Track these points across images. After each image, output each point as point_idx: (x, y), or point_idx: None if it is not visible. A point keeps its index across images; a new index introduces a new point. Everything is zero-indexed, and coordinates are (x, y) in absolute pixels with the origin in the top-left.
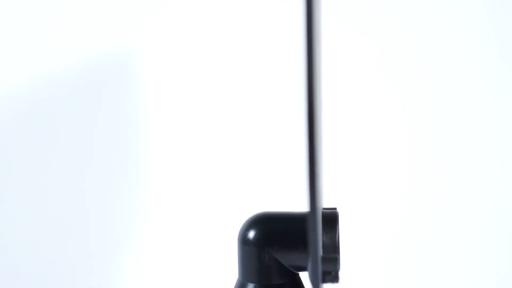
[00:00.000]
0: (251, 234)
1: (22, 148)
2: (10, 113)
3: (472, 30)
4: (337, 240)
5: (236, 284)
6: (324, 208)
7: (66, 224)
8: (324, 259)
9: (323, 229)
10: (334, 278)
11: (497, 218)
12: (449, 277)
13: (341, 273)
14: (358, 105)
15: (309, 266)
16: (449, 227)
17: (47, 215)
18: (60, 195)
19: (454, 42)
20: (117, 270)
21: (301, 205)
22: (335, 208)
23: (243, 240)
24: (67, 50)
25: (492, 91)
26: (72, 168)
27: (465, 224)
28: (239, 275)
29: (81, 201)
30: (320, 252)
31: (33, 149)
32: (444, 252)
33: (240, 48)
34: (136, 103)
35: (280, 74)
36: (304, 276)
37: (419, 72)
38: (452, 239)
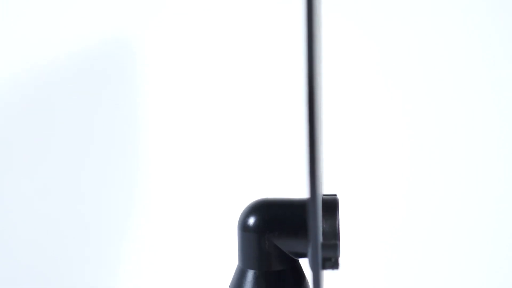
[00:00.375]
0: (251, 220)
1: (18, 144)
2: (6, 109)
3: (473, 29)
4: (337, 226)
5: (236, 271)
6: (324, 195)
7: (63, 223)
8: (324, 246)
9: (323, 215)
10: (334, 265)
11: (497, 217)
12: (449, 275)
13: (341, 260)
14: (359, 101)
15: (309, 252)
16: (448, 224)
17: (43, 214)
18: (57, 194)
19: (454, 42)
20: (115, 268)
21: (301, 192)
22: (335, 195)
23: (243, 227)
24: (66, 42)
25: (492, 91)
26: (68, 168)
27: (465, 222)
28: (239, 261)
29: (78, 200)
30: (320, 238)
31: (30, 145)
32: (444, 250)
33: (240, 43)
34: (135, 102)
35: (280, 64)
36: (304, 263)
37: (420, 68)
38: (452, 236)
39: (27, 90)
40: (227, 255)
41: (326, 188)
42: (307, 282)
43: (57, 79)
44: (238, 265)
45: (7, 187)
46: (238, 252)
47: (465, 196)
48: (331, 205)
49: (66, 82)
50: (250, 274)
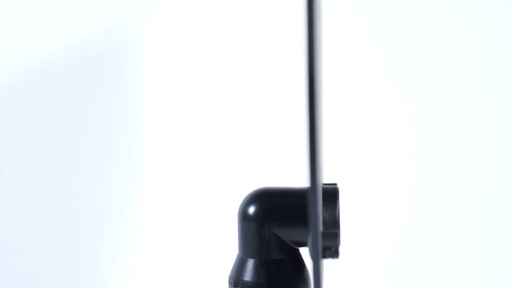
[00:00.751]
0: (251, 209)
1: (15, 141)
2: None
3: (473, 29)
4: (337, 215)
5: (236, 260)
6: (325, 184)
7: (60, 222)
8: (324, 235)
9: (324, 204)
10: (334, 254)
11: (497, 216)
12: (448, 268)
13: (341, 249)
14: (360, 94)
15: (309, 241)
16: (448, 216)
17: (40, 213)
18: (54, 192)
19: (455, 42)
20: (114, 264)
21: (301, 181)
22: (335, 184)
23: (243, 216)
24: (65, 32)
25: (492, 91)
26: (65, 166)
27: (465, 219)
28: (239, 250)
29: (75, 198)
30: (320, 227)
31: (26, 143)
32: (444, 243)
33: (241, 35)
34: (134, 100)
35: (280, 56)
36: (304, 252)
37: (420, 63)
38: (452, 227)
39: (25, 84)
40: (227, 244)
41: (327, 177)
42: (307, 271)
43: (54, 74)
44: (238, 254)
45: (4, 185)
46: (238, 241)
47: (464, 191)
48: (331, 194)
49: (63, 78)
50: (250, 263)
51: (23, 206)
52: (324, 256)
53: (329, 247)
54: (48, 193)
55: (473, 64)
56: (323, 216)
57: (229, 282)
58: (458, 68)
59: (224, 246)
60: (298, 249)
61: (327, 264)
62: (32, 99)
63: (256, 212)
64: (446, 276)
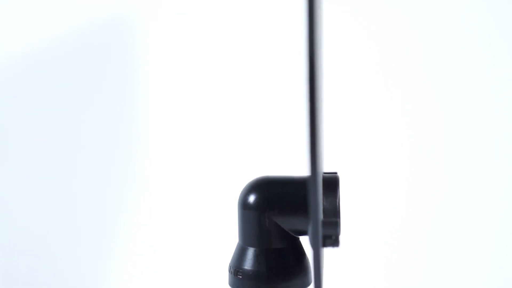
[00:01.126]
0: (251, 198)
1: (12, 139)
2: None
3: (473, 29)
4: (337, 204)
5: (236, 248)
6: (325, 173)
7: (56, 221)
8: (324, 223)
9: (324, 193)
10: (335, 242)
11: (498, 216)
12: (449, 267)
13: (341, 238)
14: (360, 89)
15: (310, 230)
16: (449, 210)
17: (37, 211)
18: (50, 191)
19: (455, 42)
20: (110, 260)
21: (301, 170)
22: (335, 173)
23: (243, 205)
24: (63, 16)
25: (493, 91)
26: (61, 164)
27: (466, 209)
28: (239, 239)
29: (71, 198)
30: (321, 216)
31: (22, 142)
32: (444, 235)
33: (239, 28)
34: (134, 99)
35: (281, 46)
36: (305, 240)
37: (422, 59)
38: (452, 221)
39: (25, 79)
40: (227, 233)
41: (327, 166)
42: (308, 259)
43: (51, 68)
44: (238, 242)
45: (0, 184)
46: (239, 229)
47: (465, 191)
48: (331, 183)
49: (61, 74)
50: (250, 252)
51: (21, 205)
52: (324, 245)
53: (329, 235)
54: (46, 192)
55: (473, 64)
56: (323, 205)
57: (229, 270)
58: (458, 65)
59: (224, 235)
60: (298, 238)
61: (327, 252)
62: (29, 95)
63: (256, 201)
64: (445, 265)
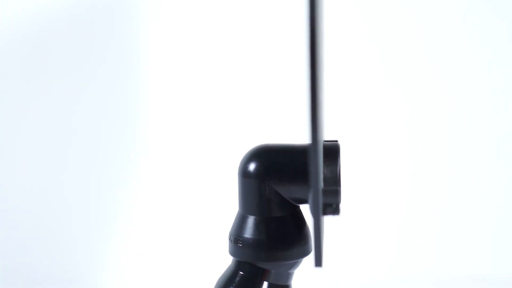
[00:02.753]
0: (252, 166)
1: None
2: None
3: (473, 29)
4: (338, 172)
5: (236, 217)
6: (325, 141)
7: (51, 220)
8: (325, 192)
9: (324, 161)
10: (335, 211)
11: (498, 215)
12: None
13: (341, 206)
14: (361, 91)
15: (310, 198)
16: (450, 180)
17: (31, 210)
18: (43, 189)
19: (455, 42)
20: (106, 256)
21: (302, 138)
22: (336, 141)
23: (244, 173)
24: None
25: (493, 91)
26: (56, 162)
27: (465, 213)
28: (239, 207)
29: (63, 196)
30: (321, 184)
31: (17, 141)
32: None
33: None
34: (134, 97)
35: (281, 31)
36: (305, 209)
37: (424, 58)
38: (454, 191)
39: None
40: (227, 201)
41: (327, 134)
42: (308, 228)
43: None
44: (238, 211)
45: None
46: (239, 198)
47: (465, 188)
48: (332, 151)
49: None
50: (251, 220)
51: (20, 203)
52: (325, 213)
53: (329, 204)
54: (37, 192)
55: (473, 64)
56: (324, 173)
57: (229, 239)
58: (459, 64)
59: (224, 204)
60: (299, 206)
61: (328, 221)
62: (25, 88)
63: (256, 169)
64: (447, 234)
